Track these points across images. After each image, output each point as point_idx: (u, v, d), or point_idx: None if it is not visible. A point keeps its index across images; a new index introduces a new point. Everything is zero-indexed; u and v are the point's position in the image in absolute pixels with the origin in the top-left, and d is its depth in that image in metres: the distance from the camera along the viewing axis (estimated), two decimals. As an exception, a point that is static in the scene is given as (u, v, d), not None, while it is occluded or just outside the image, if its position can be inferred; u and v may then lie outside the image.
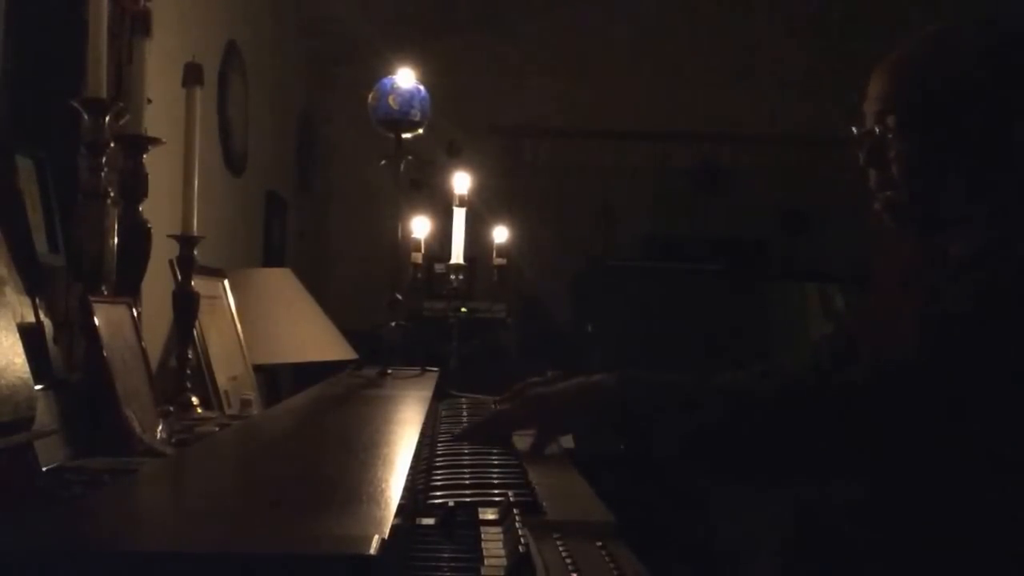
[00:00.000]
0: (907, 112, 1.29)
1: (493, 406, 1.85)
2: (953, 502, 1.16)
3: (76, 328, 1.47)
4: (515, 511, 0.96)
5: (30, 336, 1.21)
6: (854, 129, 1.36)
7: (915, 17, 4.80)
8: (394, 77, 1.98)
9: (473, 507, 1.01)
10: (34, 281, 1.40)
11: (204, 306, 1.99)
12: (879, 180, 1.34)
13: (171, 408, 1.65)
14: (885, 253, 1.48)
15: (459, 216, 2.28)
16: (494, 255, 2.62)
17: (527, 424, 1.36)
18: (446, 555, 0.88)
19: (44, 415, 1.17)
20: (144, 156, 1.69)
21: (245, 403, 2.20)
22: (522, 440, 1.37)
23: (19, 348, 1.11)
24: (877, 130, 1.32)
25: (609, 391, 1.27)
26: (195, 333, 2.01)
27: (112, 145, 1.58)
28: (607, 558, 0.86)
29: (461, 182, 2.30)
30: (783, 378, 1.28)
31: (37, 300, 1.35)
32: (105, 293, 1.55)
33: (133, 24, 1.81)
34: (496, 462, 1.26)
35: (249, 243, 3.58)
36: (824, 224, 5.31)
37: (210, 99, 2.93)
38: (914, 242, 1.40)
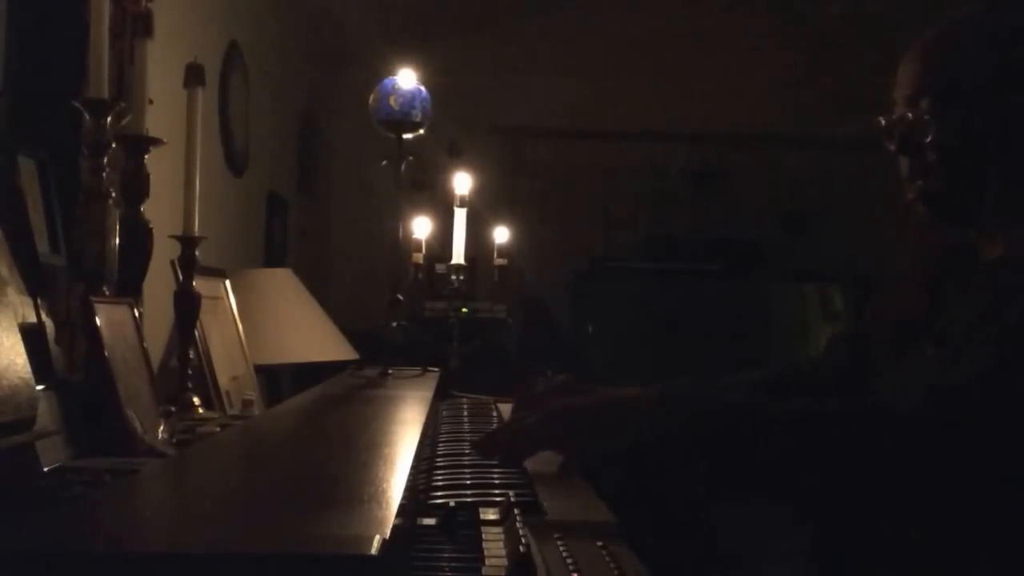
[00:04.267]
0: (944, 94, 1.21)
1: (493, 406, 1.85)
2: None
3: (77, 328, 1.47)
4: (516, 511, 0.96)
5: (31, 336, 1.21)
6: (882, 120, 1.29)
7: (916, 17, 4.80)
8: (395, 78, 1.98)
9: (474, 507, 1.02)
10: (36, 281, 1.41)
11: (205, 306, 1.99)
12: (912, 168, 1.26)
13: (172, 408, 1.65)
14: (909, 251, 1.45)
15: (460, 216, 2.28)
16: (495, 255, 2.62)
17: (552, 445, 1.24)
18: (447, 555, 0.88)
19: (45, 415, 1.17)
20: (145, 156, 1.69)
21: (246, 403, 2.20)
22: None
23: (20, 348, 1.11)
24: (910, 115, 1.24)
25: (652, 407, 1.17)
26: (196, 333, 2.01)
27: (113, 145, 1.58)
28: (608, 558, 0.87)
29: (462, 182, 2.30)
30: (839, 403, 1.16)
31: (39, 300, 1.35)
32: (106, 293, 1.55)
33: (134, 25, 1.82)
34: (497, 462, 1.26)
35: (250, 243, 3.58)
36: (823, 225, 5.31)
37: (211, 100, 2.93)
38: (942, 239, 1.36)
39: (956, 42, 1.25)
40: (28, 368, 1.10)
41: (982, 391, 1.08)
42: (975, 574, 1.13)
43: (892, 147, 1.28)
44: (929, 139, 1.23)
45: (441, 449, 1.38)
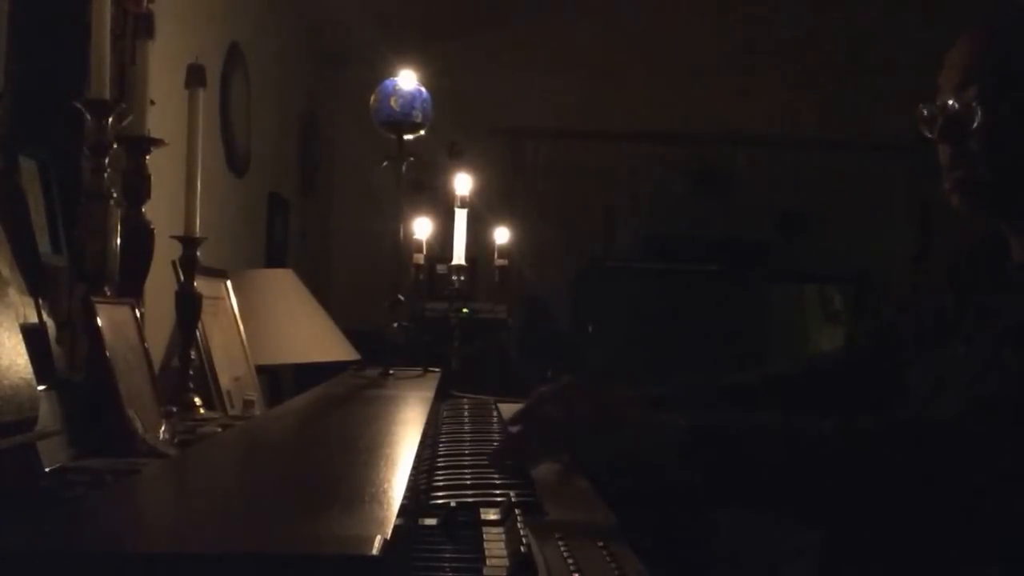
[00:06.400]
0: (993, 82, 1.20)
1: (494, 406, 1.85)
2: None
3: (79, 329, 1.47)
4: (517, 511, 0.96)
5: (33, 337, 1.21)
6: (923, 108, 1.27)
7: (912, 19, 4.81)
8: (396, 79, 1.99)
9: (475, 507, 1.02)
10: (37, 282, 1.41)
11: (207, 307, 1.99)
12: (953, 157, 1.24)
13: (174, 409, 1.65)
14: (933, 251, 1.43)
15: (460, 217, 2.29)
16: (495, 256, 2.63)
17: (564, 449, 1.22)
18: (448, 555, 0.88)
19: (47, 416, 1.17)
20: (147, 157, 1.69)
21: (247, 403, 2.20)
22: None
23: (22, 348, 1.11)
24: (956, 103, 1.22)
25: (680, 447, 1.09)
26: (198, 334, 2.02)
27: (115, 146, 1.58)
28: (608, 558, 0.87)
29: (462, 183, 2.30)
30: (871, 424, 1.12)
31: (40, 301, 1.35)
32: (108, 294, 1.55)
33: (136, 26, 1.82)
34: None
35: (251, 244, 3.58)
36: (823, 225, 5.32)
37: (212, 100, 2.93)
38: (972, 235, 1.36)
39: (1009, 31, 1.24)
40: (29, 368, 1.10)
41: (1016, 394, 1.07)
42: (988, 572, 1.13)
43: (932, 136, 1.26)
44: (975, 126, 1.21)
45: (442, 449, 1.38)
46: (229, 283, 2.60)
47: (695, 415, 1.13)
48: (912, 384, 1.31)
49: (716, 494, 1.15)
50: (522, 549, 0.83)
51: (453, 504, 1.01)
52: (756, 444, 1.10)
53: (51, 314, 1.39)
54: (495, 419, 1.72)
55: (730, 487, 1.11)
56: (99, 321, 1.40)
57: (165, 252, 1.88)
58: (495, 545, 0.90)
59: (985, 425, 1.07)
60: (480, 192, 2.43)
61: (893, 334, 1.41)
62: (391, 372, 2.00)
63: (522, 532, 0.88)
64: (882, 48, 5.12)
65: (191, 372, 1.85)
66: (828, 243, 5.24)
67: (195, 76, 1.84)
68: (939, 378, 1.25)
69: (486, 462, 1.25)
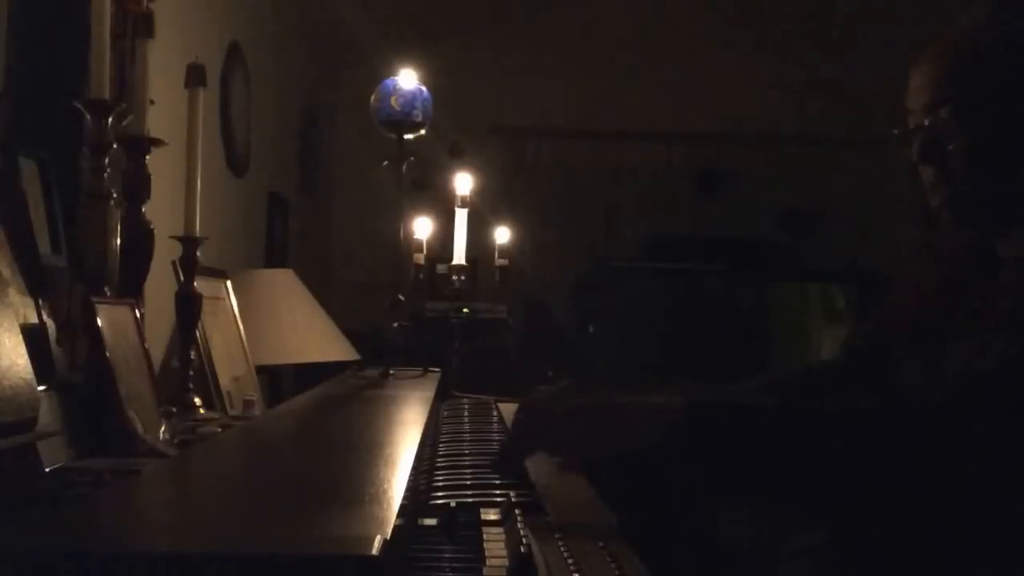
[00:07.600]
0: (964, 100, 1.19)
1: (494, 406, 1.85)
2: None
3: (79, 329, 1.47)
4: (517, 511, 0.96)
5: (33, 337, 1.21)
6: (896, 131, 1.27)
7: (914, 18, 4.81)
8: (396, 78, 1.98)
9: (475, 508, 1.02)
10: (37, 282, 1.41)
11: (206, 307, 1.99)
12: (936, 177, 1.24)
13: (173, 409, 1.65)
14: (926, 252, 1.43)
15: (461, 217, 2.28)
16: (496, 256, 2.62)
17: (559, 445, 1.17)
18: (448, 555, 0.88)
19: (47, 416, 1.17)
20: (147, 157, 1.69)
21: (247, 404, 2.20)
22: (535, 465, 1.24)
23: (22, 349, 1.11)
24: (927, 123, 1.22)
25: (677, 420, 1.07)
26: (198, 334, 2.02)
27: (115, 146, 1.58)
28: (608, 558, 0.87)
29: (463, 183, 2.30)
30: (869, 401, 1.16)
31: (40, 301, 1.36)
32: (108, 294, 1.55)
33: (136, 25, 1.82)
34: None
35: (251, 244, 3.58)
36: (825, 225, 5.32)
37: (212, 100, 2.93)
38: (960, 240, 1.36)
39: (973, 47, 1.23)
40: (30, 369, 1.10)
41: (1009, 377, 1.08)
42: (993, 567, 1.12)
43: (911, 158, 1.26)
44: (953, 147, 1.21)
45: (442, 449, 1.38)
46: (229, 283, 2.60)
47: (693, 399, 1.11)
48: (906, 383, 1.31)
49: (715, 470, 1.13)
50: (522, 549, 0.83)
51: (453, 504, 1.01)
52: (752, 417, 1.10)
53: (51, 314, 1.39)
54: (495, 419, 1.72)
55: (727, 460, 1.10)
56: (99, 321, 1.40)
57: (165, 252, 1.88)
58: (495, 545, 0.90)
59: (981, 408, 1.07)
60: (480, 192, 2.43)
61: (887, 335, 1.41)
62: (391, 372, 2.00)
63: (522, 532, 0.88)
64: (886, 44, 5.12)
65: (191, 372, 1.85)
66: (831, 243, 5.23)
67: (195, 76, 1.84)
68: (932, 376, 1.25)
69: (486, 462, 1.24)
